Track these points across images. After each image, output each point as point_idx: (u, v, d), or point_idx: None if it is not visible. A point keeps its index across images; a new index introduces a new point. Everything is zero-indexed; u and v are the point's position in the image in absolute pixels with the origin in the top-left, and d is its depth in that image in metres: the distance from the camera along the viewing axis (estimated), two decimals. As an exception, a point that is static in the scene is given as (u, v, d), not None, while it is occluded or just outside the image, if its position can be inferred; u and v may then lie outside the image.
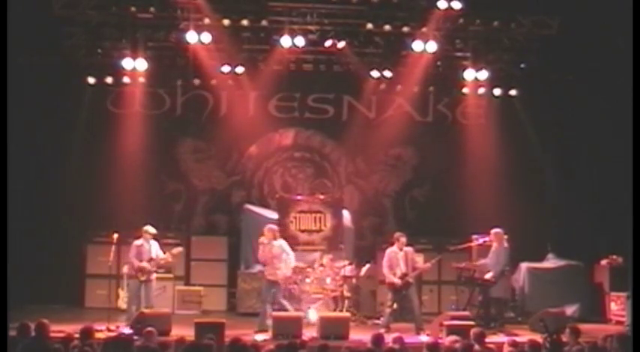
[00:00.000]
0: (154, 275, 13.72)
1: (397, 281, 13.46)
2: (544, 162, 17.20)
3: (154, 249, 13.71)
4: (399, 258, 13.61)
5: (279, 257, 13.59)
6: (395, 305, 13.73)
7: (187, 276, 16.45)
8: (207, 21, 15.04)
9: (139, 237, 13.73)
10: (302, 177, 17.81)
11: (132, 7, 14.87)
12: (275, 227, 13.99)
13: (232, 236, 16.78)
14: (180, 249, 14.11)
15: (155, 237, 13.82)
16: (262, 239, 13.62)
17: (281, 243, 13.75)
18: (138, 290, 13.54)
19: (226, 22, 15.03)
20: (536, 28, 15.48)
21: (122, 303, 14.81)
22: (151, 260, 13.57)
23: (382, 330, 12.50)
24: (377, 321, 14.59)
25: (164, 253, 13.79)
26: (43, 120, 16.17)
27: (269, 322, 12.94)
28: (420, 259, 14.43)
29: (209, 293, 16.03)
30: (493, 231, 14.33)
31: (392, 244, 13.79)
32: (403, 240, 13.67)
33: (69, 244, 16.19)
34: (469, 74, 16.10)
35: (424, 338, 12.49)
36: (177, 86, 17.05)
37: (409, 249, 13.74)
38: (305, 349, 9.23)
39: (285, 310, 13.44)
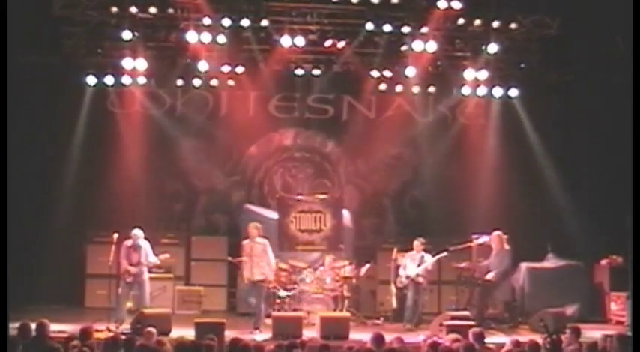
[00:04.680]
0: (146, 276, 13.71)
1: (414, 276, 14.34)
2: (544, 162, 17.17)
3: (144, 251, 13.67)
4: (416, 259, 14.45)
5: (262, 256, 13.78)
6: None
7: (187, 276, 16.45)
8: (207, 21, 15.04)
9: (129, 238, 13.74)
10: (302, 177, 17.79)
11: (132, 7, 14.86)
12: (259, 225, 14.20)
13: (232, 236, 16.74)
14: (167, 255, 14.08)
15: (146, 238, 13.79)
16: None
17: (264, 241, 13.95)
18: (127, 290, 13.57)
19: (226, 22, 15.03)
20: (536, 28, 15.46)
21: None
22: (138, 263, 13.56)
23: (408, 326, 13.93)
24: (377, 321, 14.67)
25: (156, 255, 13.79)
26: (43, 120, 16.15)
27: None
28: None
29: (209, 293, 16.02)
30: (493, 233, 14.38)
31: (412, 249, 14.65)
32: (419, 245, 14.59)
33: (69, 244, 16.17)
34: (469, 74, 16.10)
35: (423, 337, 12.49)
36: (177, 86, 17.06)
37: (428, 254, 14.52)
38: (305, 349, 9.23)
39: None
